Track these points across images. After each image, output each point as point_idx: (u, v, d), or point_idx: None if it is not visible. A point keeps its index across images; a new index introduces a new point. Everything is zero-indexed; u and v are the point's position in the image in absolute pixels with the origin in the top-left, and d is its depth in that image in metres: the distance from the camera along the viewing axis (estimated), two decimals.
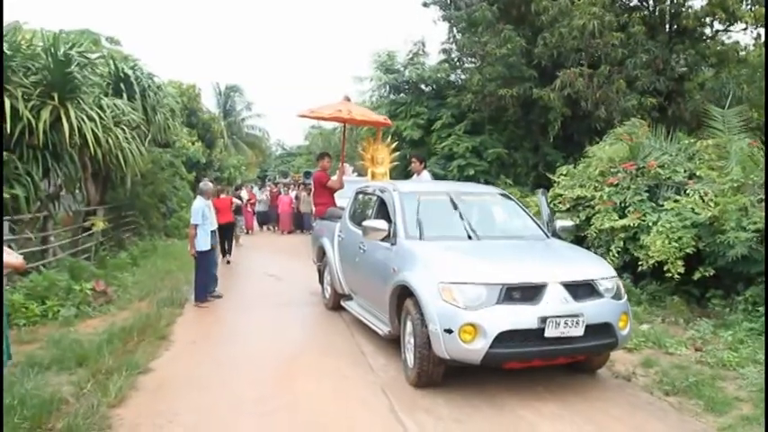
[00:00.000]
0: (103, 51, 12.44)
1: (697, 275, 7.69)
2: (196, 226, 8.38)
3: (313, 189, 8.75)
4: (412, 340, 4.91)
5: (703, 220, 7.83)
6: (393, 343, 5.72)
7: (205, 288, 8.57)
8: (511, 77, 15.34)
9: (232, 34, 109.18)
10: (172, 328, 7.00)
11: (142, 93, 12.28)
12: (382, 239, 5.69)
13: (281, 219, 20.52)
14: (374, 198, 6.69)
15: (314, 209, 8.95)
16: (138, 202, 14.82)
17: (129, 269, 11.17)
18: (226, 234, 12.51)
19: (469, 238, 5.55)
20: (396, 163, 9.42)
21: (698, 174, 9.00)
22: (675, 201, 8.50)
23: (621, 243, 8.71)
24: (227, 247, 12.76)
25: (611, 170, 10.14)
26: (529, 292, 4.59)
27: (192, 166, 24.42)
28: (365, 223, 5.75)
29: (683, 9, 15.51)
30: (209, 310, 8.28)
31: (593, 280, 4.87)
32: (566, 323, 4.50)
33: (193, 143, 19.34)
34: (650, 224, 8.42)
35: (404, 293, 5.16)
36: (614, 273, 5.17)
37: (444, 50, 17.99)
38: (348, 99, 8.93)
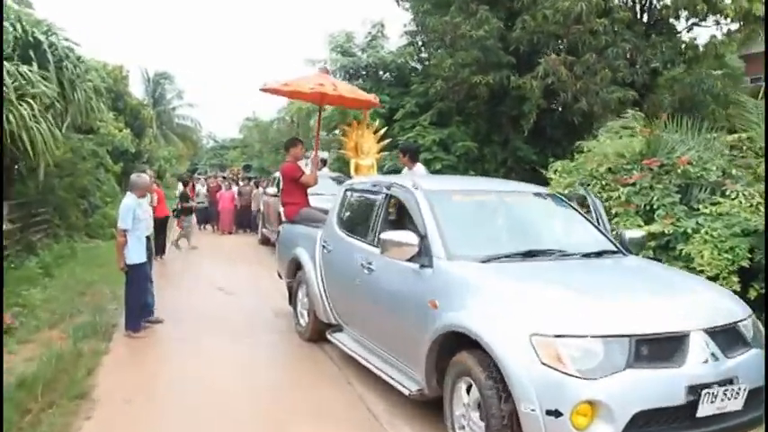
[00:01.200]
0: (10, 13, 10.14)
1: (753, 294, 6.39)
2: (125, 232, 6.39)
3: (282, 184, 6.92)
4: (478, 419, 3.23)
5: (755, 227, 6.54)
6: (419, 401, 4.03)
7: (139, 311, 6.60)
8: (486, 63, 13.87)
9: (162, 14, 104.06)
10: (95, 377, 5.02)
11: (57, 64, 10.03)
12: (409, 259, 3.96)
13: (221, 217, 18.30)
14: (379, 199, 4.95)
15: (282, 209, 7.13)
16: (53, 198, 12.43)
17: (40, 281, 8.98)
18: (159, 230, 11.34)
19: (532, 255, 3.92)
20: (385, 153, 7.69)
21: (733, 172, 7.76)
22: (715, 203, 7.19)
23: (651, 252, 7.34)
24: (161, 244, 11.67)
25: (624, 167, 8.82)
26: (666, 347, 3.01)
27: (119, 156, 21.90)
28: (384, 236, 4.00)
29: None
30: (147, 342, 6.32)
31: (737, 322, 3.34)
32: (724, 394, 2.94)
33: (121, 130, 16.94)
34: (688, 231, 7.09)
35: (454, 342, 3.47)
36: (748, 308, 3.67)
37: (408, 33, 16.40)
38: (327, 71, 7.14)
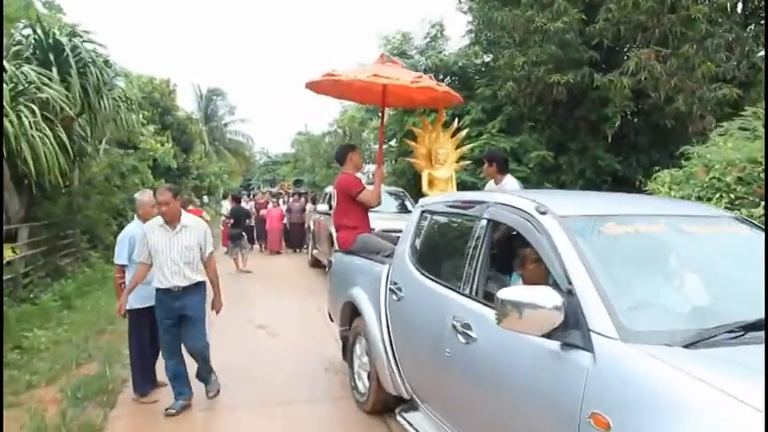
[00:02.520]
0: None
1: None
2: (123, 268, 4.97)
3: (335, 202, 5.38)
4: None
5: None
6: None
7: (148, 370, 5.15)
8: (564, 60, 12.13)
9: (216, 32, 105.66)
10: None
11: (81, 69, 8.85)
12: (546, 334, 2.33)
13: (269, 236, 16.98)
14: (476, 227, 3.32)
15: (335, 234, 5.61)
16: (81, 218, 11.29)
17: (55, 316, 7.73)
18: None
19: (758, 329, 2.22)
20: (467, 162, 6.08)
21: None
22: None
23: None
24: None
25: (761, 175, 7.03)
26: None
27: (164, 173, 20.98)
28: (505, 296, 2.37)
29: None
30: (158, 409, 4.85)
31: None
32: None
33: (163, 144, 15.91)
34: None
35: None
36: None
37: (471, 31, 14.82)
38: (391, 60, 5.59)
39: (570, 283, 2.42)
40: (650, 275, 2.61)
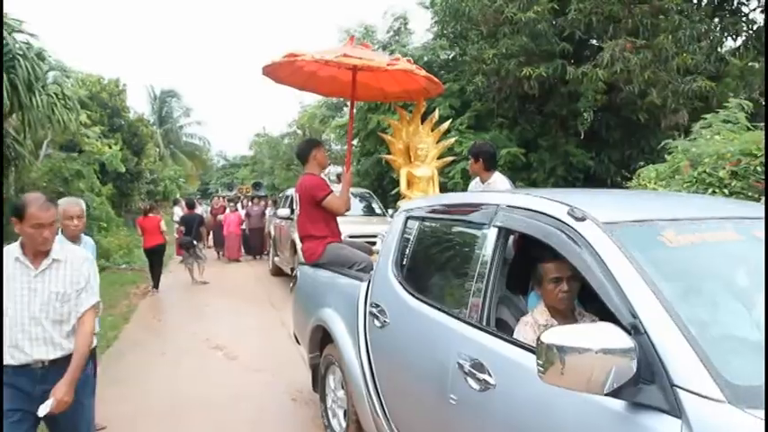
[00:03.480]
0: None
1: None
2: None
3: (298, 208, 4.62)
4: None
5: None
6: None
7: None
8: (537, 52, 11.60)
9: (170, 31, 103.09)
10: None
11: (10, 62, 7.86)
12: (612, 391, 1.64)
13: (227, 243, 16.04)
14: (482, 237, 2.61)
15: (299, 244, 4.86)
16: (10, 228, 10.21)
17: None
18: (154, 260, 11.05)
19: None
20: (451, 159, 5.37)
21: None
22: None
23: None
24: (155, 275, 11.10)
25: (758, 168, 6.57)
26: None
27: (115, 178, 19.82)
28: (550, 339, 1.67)
29: None
30: None
31: None
32: None
33: (110, 146, 14.83)
34: None
35: None
36: None
37: (437, 22, 14.18)
38: (360, 42, 4.86)
39: (635, 316, 1.74)
40: (735, 301, 1.95)
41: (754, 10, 12.99)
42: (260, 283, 11.89)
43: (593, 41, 12.47)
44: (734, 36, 12.73)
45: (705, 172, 7.05)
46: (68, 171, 12.80)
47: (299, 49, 4.24)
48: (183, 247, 12.28)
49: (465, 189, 13.18)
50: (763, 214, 2.33)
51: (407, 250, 3.22)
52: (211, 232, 16.54)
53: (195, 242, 12.00)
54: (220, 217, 17.01)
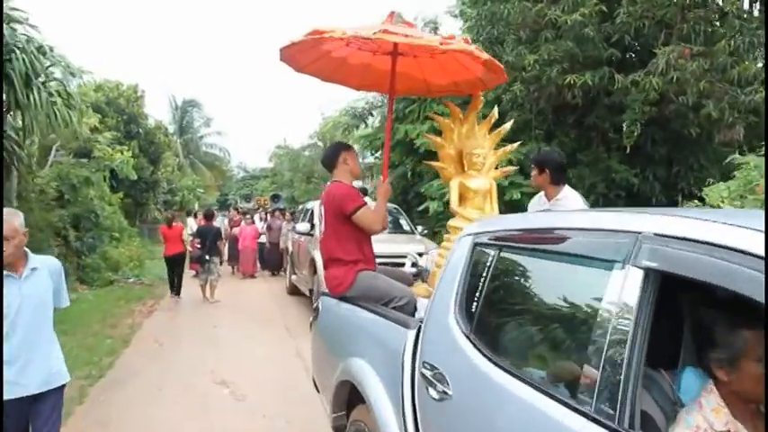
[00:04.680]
0: None
1: None
2: None
3: (323, 223, 3.70)
4: None
5: None
6: None
7: None
8: (582, 59, 10.66)
9: (194, 42, 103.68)
10: None
11: (6, 56, 7.11)
12: None
13: (242, 257, 15.17)
14: (624, 281, 1.64)
15: (322, 270, 3.96)
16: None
17: None
18: (174, 268, 11.46)
19: None
20: (513, 168, 4.39)
21: None
22: None
23: None
24: (176, 283, 11.51)
25: None
26: None
27: (130, 186, 19.15)
28: None
29: None
30: None
31: None
32: None
33: (122, 153, 14.10)
34: None
35: None
36: None
37: (471, 28, 13.31)
38: (401, 20, 3.92)
39: None
40: None
41: None
42: (275, 304, 10.98)
43: (642, 48, 11.49)
44: None
45: None
46: (77, 177, 12.06)
47: (327, 25, 3.35)
48: (196, 262, 11.44)
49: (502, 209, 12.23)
50: None
51: (479, 291, 2.27)
52: (226, 246, 15.70)
53: (209, 257, 11.13)
54: (236, 230, 16.19)
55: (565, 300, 1.91)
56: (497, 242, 2.31)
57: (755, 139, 11.69)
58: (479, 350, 2.15)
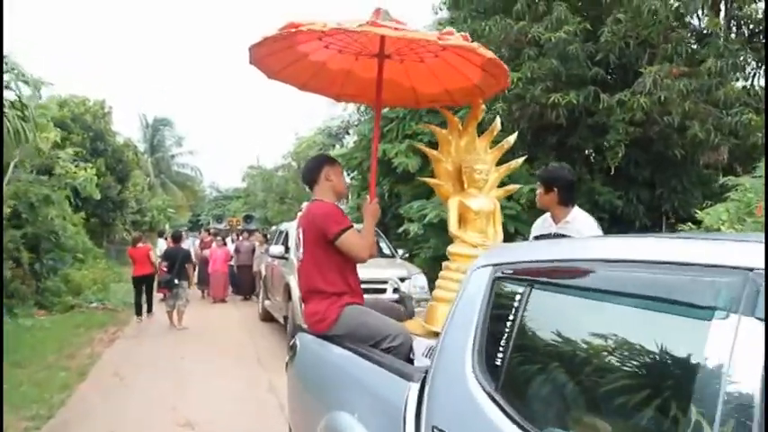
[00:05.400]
0: None
1: None
2: None
3: (301, 248, 3.20)
4: None
5: None
6: None
7: None
8: (567, 77, 10.40)
9: (167, 61, 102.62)
10: None
11: None
12: None
13: (212, 281, 14.50)
14: (721, 334, 1.21)
15: (299, 304, 3.47)
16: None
17: None
18: (144, 288, 11.34)
19: None
20: (517, 186, 3.91)
21: None
22: None
23: None
24: (144, 304, 11.41)
25: None
26: None
27: (96, 205, 18.38)
28: None
29: None
30: None
31: None
32: None
33: (86, 170, 13.42)
34: None
35: None
36: None
37: None
38: (388, 17, 3.47)
39: None
40: None
41: None
42: (247, 331, 10.36)
43: (626, 68, 11.31)
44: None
45: None
46: (35, 196, 11.36)
47: (304, 18, 2.89)
48: (164, 286, 10.77)
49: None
50: None
51: (506, 338, 1.79)
52: (196, 269, 15.02)
53: (177, 281, 10.49)
54: (206, 252, 15.52)
55: (631, 356, 1.44)
56: (527, 276, 1.84)
57: (736, 161, 11.57)
58: (508, 416, 1.67)
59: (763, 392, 1.11)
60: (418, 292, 8.39)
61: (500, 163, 3.62)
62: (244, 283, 14.89)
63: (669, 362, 1.33)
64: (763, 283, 1.17)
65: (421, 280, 8.62)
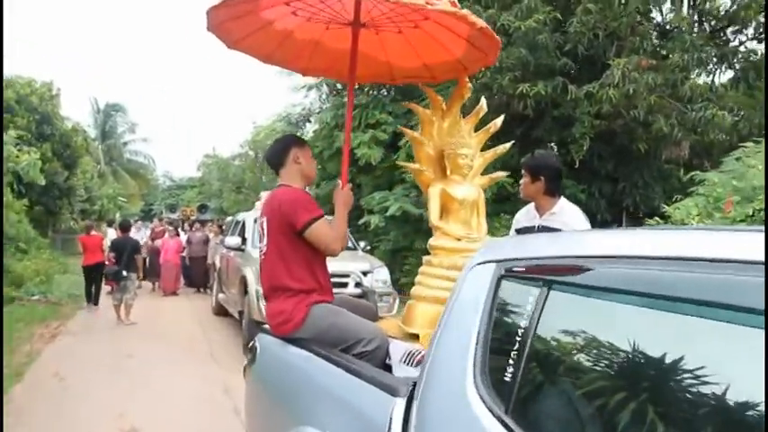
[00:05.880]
0: None
1: None
2: None
3: (265, 239, 2.84)
4: None
5: None
6: None
7: None
8: (535, 67, 10.20)
9: (119, 43, 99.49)
10: None
11: None
12: None
13: (163, 272, 13.85)
14: None
15: (262, 303, 3.10)
16: None
17: None
18: (94, 276, 11.21)
19: None
20: (504, 174, 3.56)
21: None
22: None
23: None
24: (93, 292, 11.31)
25: None
26: None
27: (42, 192, 17.47)
28: None
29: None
30: None
31: None
32: None
33: (29, 153, 12.60)
34: None
35: None
36: None
37: None
38: None
39: None
40: None
41: (748, 41, 12.01)
42: (200, 326, 9.85)
43: (593, 61, 11.20)
44: (727, 67, 11.78)
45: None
46: None
47: None
48: (112, 279, 10.18)
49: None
50: None
51: (517, 349, 1.47)
52: (147, 260, 14.36)
53: (125, 273, 9.91)
54: (158, 242, 14.86)
55: (694, 374, 1.14)
56: (544, 275, 1.52)
57: (696, 157, 11.63)
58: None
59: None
60: (381, 287, 8.10)
61: (484, 148, 3.30)
62: (197, 275, 14.33)
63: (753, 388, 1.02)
64: None
65: (383, 273, 8.31)
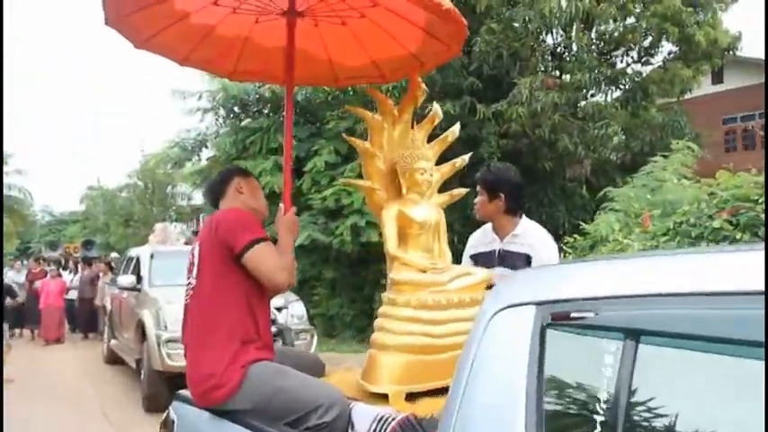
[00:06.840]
0: None
1: None
2: None
3: (194, 271, 2.25)
4: None
5: None
6: None
7: None
8: (443, 87, 10.07)
9: None
10: None
11: None
12: None
13: (44, 320, 12.33)
14: None
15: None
16: None
17: None
18: None
19: None
20: (464, 191, 3.07)
21: None
22: None
23: None
24: None
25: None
26: None
27: None
28: None
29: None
30: None
31: None
32: None
33: None
34: None
35: None
36: None
37: None
38: None
39: None
40: None
41: (633, 63, 12.55)
42: (89, 378, 8.70)
43: (498, 80, 11.27)
44: (616, 88, 12.24)
45: (687, 222, 5.65)
46: None
47: None
48: None
49: (355, 250, 11.24)
50: None
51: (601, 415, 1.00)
52: (24, 305, 12.81)
53: None
54: (38, 284, 13.31)
55: None
56: (623, 324, 1.06)
57: (592, 175, 11.96)
58: None
59: None
60: (297, 323, 7.48)
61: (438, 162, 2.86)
62: (84, 319, 12.93)
63: None
64: None
65: (299, 308, 7.70)
